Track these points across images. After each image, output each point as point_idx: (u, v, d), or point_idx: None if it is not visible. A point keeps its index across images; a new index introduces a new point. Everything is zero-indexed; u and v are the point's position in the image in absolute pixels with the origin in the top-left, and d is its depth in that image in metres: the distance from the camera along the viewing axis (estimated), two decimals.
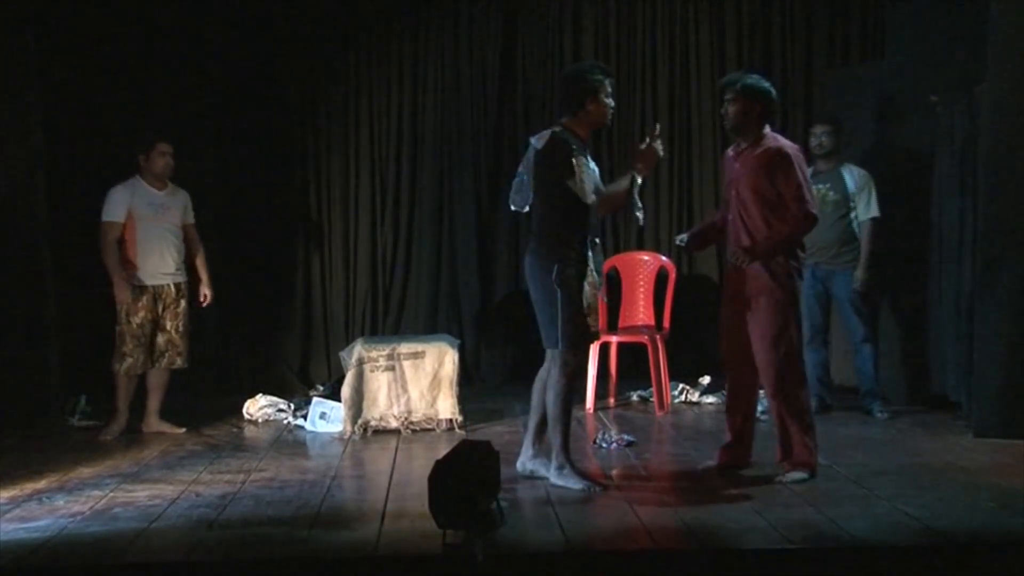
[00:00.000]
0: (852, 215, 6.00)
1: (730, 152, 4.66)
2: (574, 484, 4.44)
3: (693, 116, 7.27)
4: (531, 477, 4.56)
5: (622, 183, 4.48)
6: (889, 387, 6.27)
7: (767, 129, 4.54)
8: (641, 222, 4.69)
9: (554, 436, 4.51)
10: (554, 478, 4.50)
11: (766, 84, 4.55)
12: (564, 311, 4.37)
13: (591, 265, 4.43)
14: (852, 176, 6.01)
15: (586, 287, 4.43)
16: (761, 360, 4.49)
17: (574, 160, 4.32)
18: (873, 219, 5.97)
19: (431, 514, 3.78)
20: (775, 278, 4.46)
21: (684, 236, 4.79)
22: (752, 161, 4.48)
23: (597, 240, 4.55)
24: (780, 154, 4.43)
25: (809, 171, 6.10)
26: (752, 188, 4.47)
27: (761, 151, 4.47)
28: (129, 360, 5.58)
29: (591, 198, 4.36)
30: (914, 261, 6.34)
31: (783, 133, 7.07)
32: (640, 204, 4.52)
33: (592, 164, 4.46)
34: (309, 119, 7.19)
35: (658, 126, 4.65)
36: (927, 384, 6.21)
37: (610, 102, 4.48)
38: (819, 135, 6.05)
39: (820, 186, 6.04)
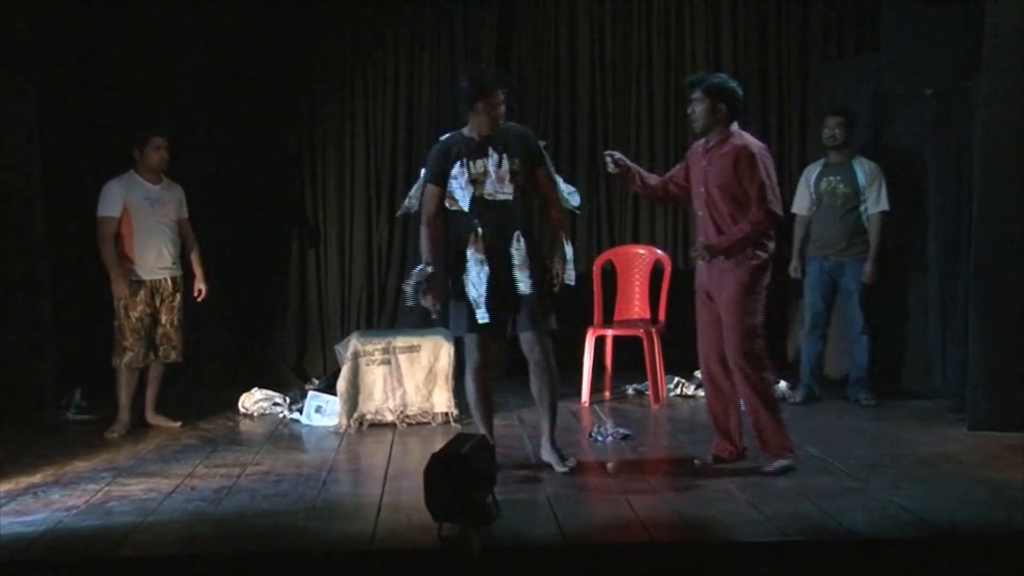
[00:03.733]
0: (862, 208, 6.00)
1: (698, 147, 4.65)
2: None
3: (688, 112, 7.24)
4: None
5: None
6: (884, 380, 6.28)
7: (735, 127, 4.55)
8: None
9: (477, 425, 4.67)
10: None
11: (732, 83, 4.56)
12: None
13: (470, 261, 4.49)
14: (863, 169, 6.02)
15: (466, 282, 4.51)
16: (731, 351, 4.51)
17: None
18: (883, 212, 5.98)
19: (427, 507, 3.79)
20: (744, 271, 4.47)
21: (616, 157, 4.66)
22: (720, 159, 4.49)
23: (479, 230, 4.51)
24: (745, 152, 4.45)
25: (820, 163, 6.17)
26: (719, 186, 4.49)
27: (728, 149, 4.49)
28: (130, 354, 5.58)
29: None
30: (910, 254, 6.35)
31: (779, 127, 7.22)
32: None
33: (463, 166, 4.50)
34: (305, 113, 7.16)
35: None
36: (922, 377, 6.23)
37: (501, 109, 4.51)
38: (832, 127, 6.05)
39: (831, 178, 6.06)
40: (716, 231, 4.52)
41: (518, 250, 4.51)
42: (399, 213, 4.93)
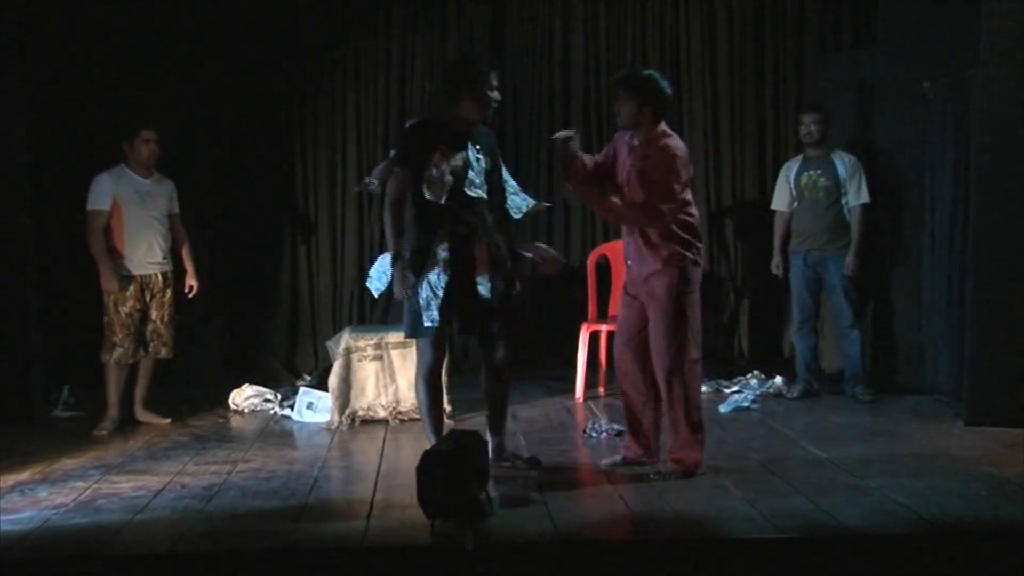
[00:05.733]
0: (843, 201, 5.99)
1: (623, 139, 4.50)
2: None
3: (683, 106, 7.20)
4: (511, 462, 4.54)
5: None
6: (881, 375, 6.25)
7: (662, 126, 4.42)
8: None
9: (426, 431, 4.53)
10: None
11: (661, 83, 4.41)
12: (405, 302, 4.43)
13: (438, 258, 4.32)
14: (843, 162, 6.02)
15: (424, 280, 4.33)
16: (656, 349, 4.39)
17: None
18: (864, 205, 5.97)
19: (420, 504, 3.77)
20: (672, 274, 4.35)
21: (570, 136, 4.40)
22: (645, 159, 4.37)
23: (450, 226, 4.36)
24: (667, 153, 4.32)
25: (798, 159, 6.16)
26: (640, 185, 4.36)
27: (654, 150, 4.36)
28: (119, 350, 5.53)
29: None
30: (906, 248, 6.33)
31: (775, 121, 7.19)
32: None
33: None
34: (296, 108, 7.12)
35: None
36: (919, 372, 6.21)
37: (494, 95, 4.38)
38: (808, 124, 6.05)
39: (811, 172, 6.05)
40: (639, 232, 4.40)
41: (483, 251, 4.37)
42: (356, 190, 4.67)
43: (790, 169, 6.21)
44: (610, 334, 6.35)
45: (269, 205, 7.12)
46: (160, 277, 5.65)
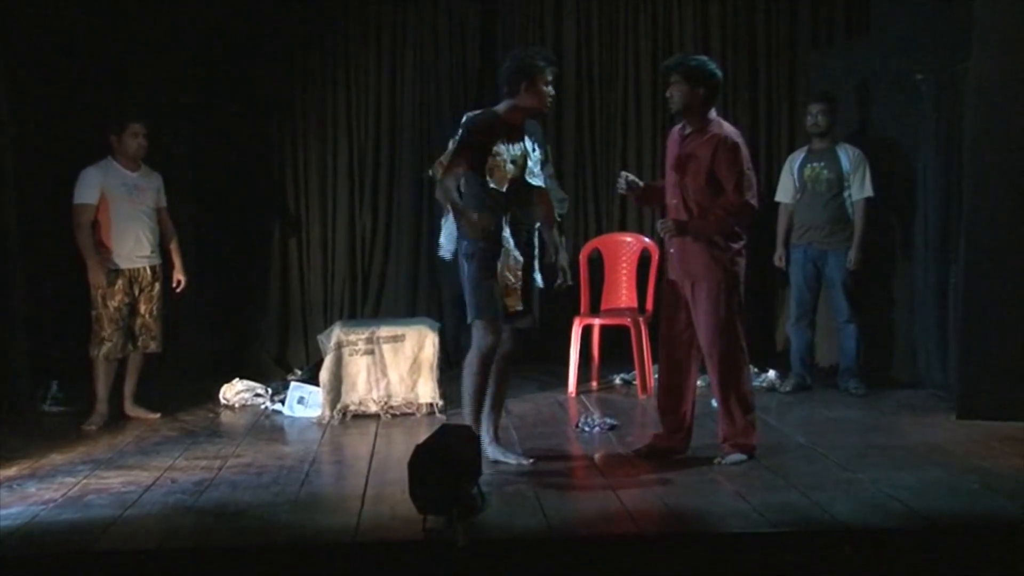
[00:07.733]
0: (846, 195, 5.97)
1: (675, 133, 4.58)
2: (510, 459, 4.51)
3: None
4: (495, 463, 4.48)
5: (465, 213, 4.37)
6: (874, 369, 6.25)
7: (712, 113, 4.48)
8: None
9: (464, 412, 4.53)
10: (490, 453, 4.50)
11: (711, 66, 4.47)
12: (468, 284, 4.45)
13: (507, 245, 4.40)
14: (847, 155, 5.98)
15: (499, 266, 4.40)
16: (707, 343, 4.45)
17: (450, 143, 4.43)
18: (867, 199, 5.94)
19: (411, 499, 3.75)
20: (718, 262, 4.42)
21: (630, 180, 4.56)
22: (698, 147, 4.42)
23: (538, 224, 4.55)
24: (726, 143, 4.39)
25: (803, 151, 6.14)
26: (695, 174, 4.41)
27: (708, 137, 4.42)
28: (108, 345, 5.49)
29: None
30: (899, 242, 6.32)
31: (768, 116, 7.18)
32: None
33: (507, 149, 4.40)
34: (286, 102, 7.07)
35: None
36: (912, 366, 6.21)
37: (549, 90, 4.45)
38: (815, 114, 6.01)
39: (815, 164, 6.02)
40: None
41: (537, 241, 4.53)
42: (429, 173, 4.67)
43: (794, 161, 6.16)
44: (602, 328, 6.37)
45: (259, 198, 7.07)
46: (148, 271, 5.61)
